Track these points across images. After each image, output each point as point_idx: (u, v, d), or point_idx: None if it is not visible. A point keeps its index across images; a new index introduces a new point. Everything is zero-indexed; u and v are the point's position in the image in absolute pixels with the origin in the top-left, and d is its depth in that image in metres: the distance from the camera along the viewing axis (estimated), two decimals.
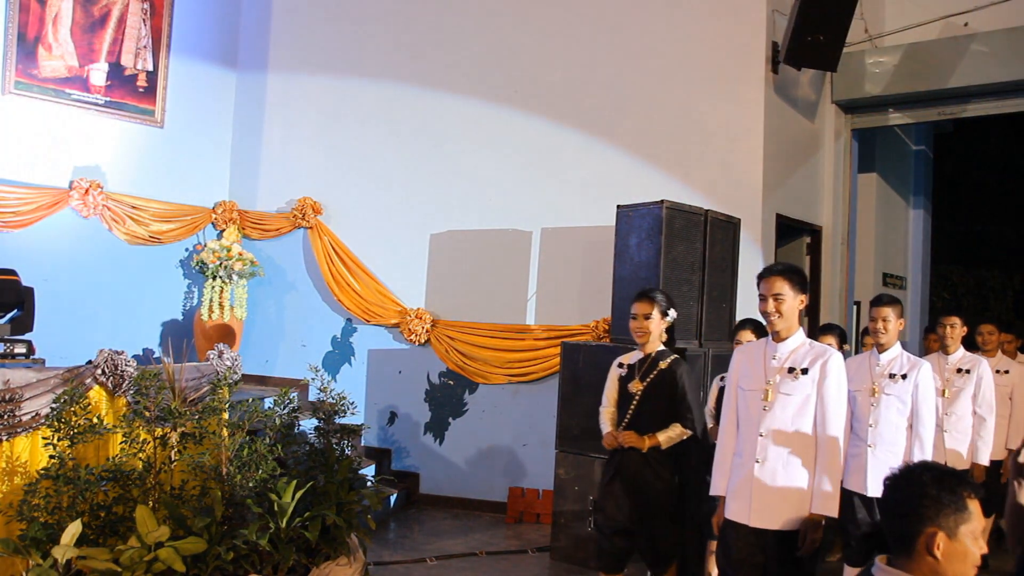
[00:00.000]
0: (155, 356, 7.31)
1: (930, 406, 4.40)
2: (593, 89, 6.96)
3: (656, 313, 4.20)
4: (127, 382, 4.86)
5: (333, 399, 5.32)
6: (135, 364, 4.94)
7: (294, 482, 4.56)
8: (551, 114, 7.08)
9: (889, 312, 4.50)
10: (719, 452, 3.77)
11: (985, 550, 1.95)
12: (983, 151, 11.87)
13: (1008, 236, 13.41)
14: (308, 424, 5.40)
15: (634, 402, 4.21)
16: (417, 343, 7.40)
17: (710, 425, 5.00)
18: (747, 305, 6.12)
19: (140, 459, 4.50)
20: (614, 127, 6.85)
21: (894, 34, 7.25)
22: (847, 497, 4.25)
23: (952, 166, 11.24)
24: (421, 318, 7.35)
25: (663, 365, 4.18)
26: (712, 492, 3.74)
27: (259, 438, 4.93)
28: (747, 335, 4.91)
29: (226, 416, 5.08)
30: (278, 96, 8.24)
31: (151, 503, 4.36)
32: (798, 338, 3.59)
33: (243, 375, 5.74)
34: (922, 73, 7.04)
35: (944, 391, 5.31)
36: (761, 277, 3.61)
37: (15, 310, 5.75)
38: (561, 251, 6.97)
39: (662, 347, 4.27)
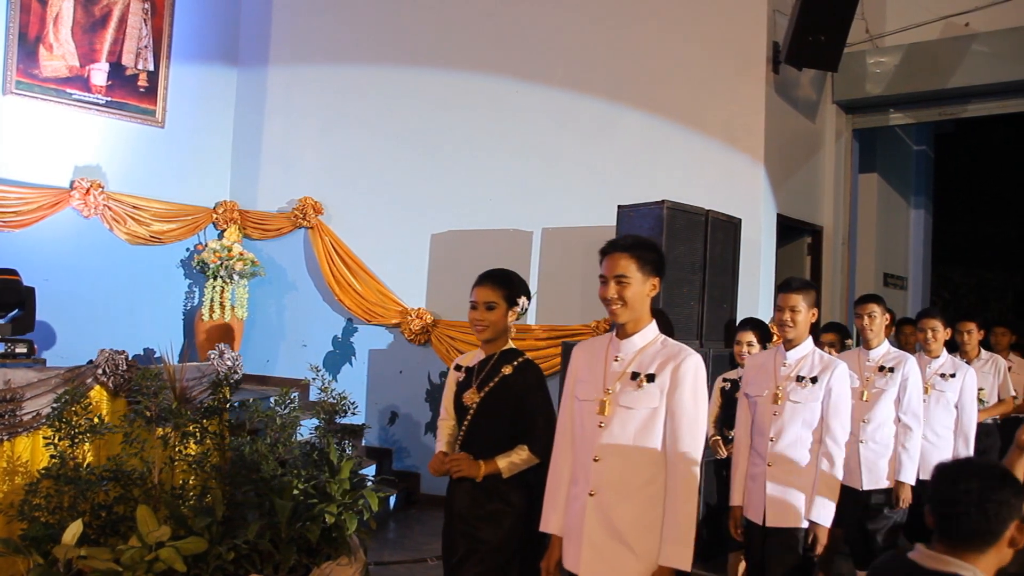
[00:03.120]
0: (156, 356, 7.31)
1: (842, 417, 3.67)
2: (594, 88, 6.96)
3: (500, 301, 3.32)
4: (128, 382, 4.86)
5: (334, 399, 5.32)
6: (136, 364, 4.95)
7: (295, 482, 4.56)
8: (552, 113, 7.08)
9: (799, 300, 3.70)
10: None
11: None
12: (984, 151, 11.86)
13: (1009, 236, 13.40)
14: (309, 424, 5.40)
15: (468, 417, 3.32)
16: (418, 343, 7.40)
17: (710, 434, 4.96)
18: (747, 305, 6.13)
19: (141, 459, 4.50)
20: (615, 127, 6.85)
21: (895, 34, 7.25)
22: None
23: (953, 166, 11.23)
24: (422, 318, 7.35)
25: (507, 370, 3.29)
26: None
27: (260, 438, 4.93)
28: (748, 336, 4.91)
29: (227, 416, 5.08)
30: (279, 93, 8.24)
31: (152, 503, 4.36)
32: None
33: (244, 375, 5.75)
34: (923, 73, 7.03)
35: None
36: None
37: (16, 310, 5.75)
38: (562, 251, 6.97)
39: (510, 346, 3.40)
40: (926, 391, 5.00)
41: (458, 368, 3.49)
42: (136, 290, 7.48)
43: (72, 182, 7.02)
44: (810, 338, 3.77)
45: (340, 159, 7.91)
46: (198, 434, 4.77)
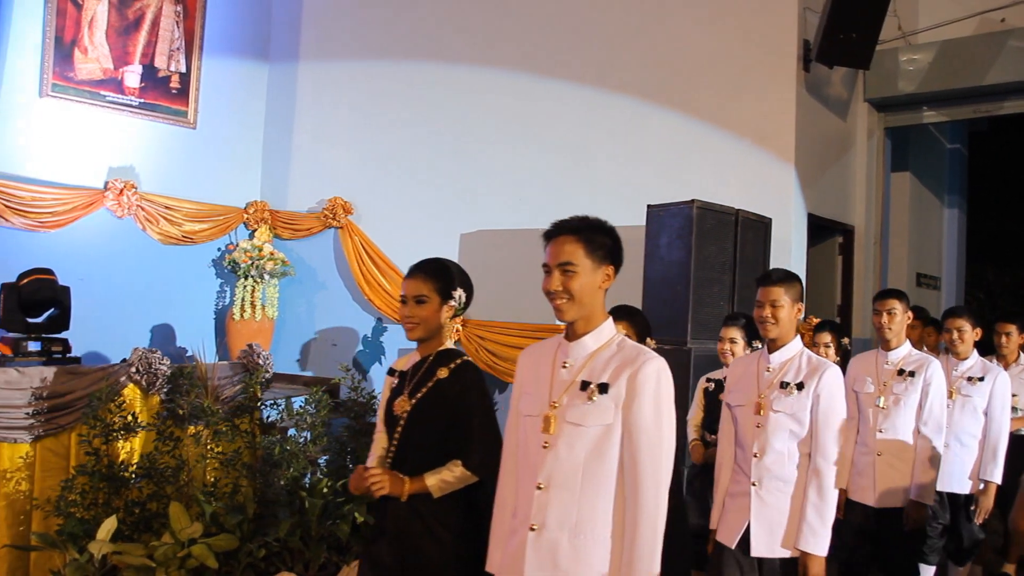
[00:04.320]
0: (188, 355, 7.39)
1: (834, 429, 3.20)
2: (624, 87, 6.93)
3: (432, 294, 2.93)
4: (161, 380, 4.92)
5: (364, 398, 5.35)
6: (168, 363, 5.01)
7: (325, 480, 4.59)
8: (582, 112, 7.06)
9: (781, 294, 3.26)
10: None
11: None
12: (1019, 149, 11.67)
13: None
14: (339, 423, 5.43)
15: (399, 428, 2.91)
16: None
17: (692, 439, 4.62)
18: None
19: (173, 456, 4.55)
20: (645, 126, 6.82)
21: (928, 31, 7.16)
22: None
23: (987, 164, 11.06)
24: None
25: (442, 373, 2.90)
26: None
27: (290, 436, 4.98)
28: (731, 332, 4.46)
29: (258, 414, 5.13)
30: (309, 93, 8.29)
31: (184, 500, 4.41)
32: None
33: (274, 374, 5.80)
34: (957, 70, 6.94)
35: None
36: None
37: (52, 309, 5.83)
38: None
39: (448, 346, 3.02)
40: (951, 396, 4.58)
41: (392, 372, 3.09)
42: (168, 289, 7.56)
43: (106, 183, 7.10)
44: (798, 338, 3.30)
45: (370, 159, 7.94)
46: (229, 432, 4.82)
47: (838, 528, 3.28)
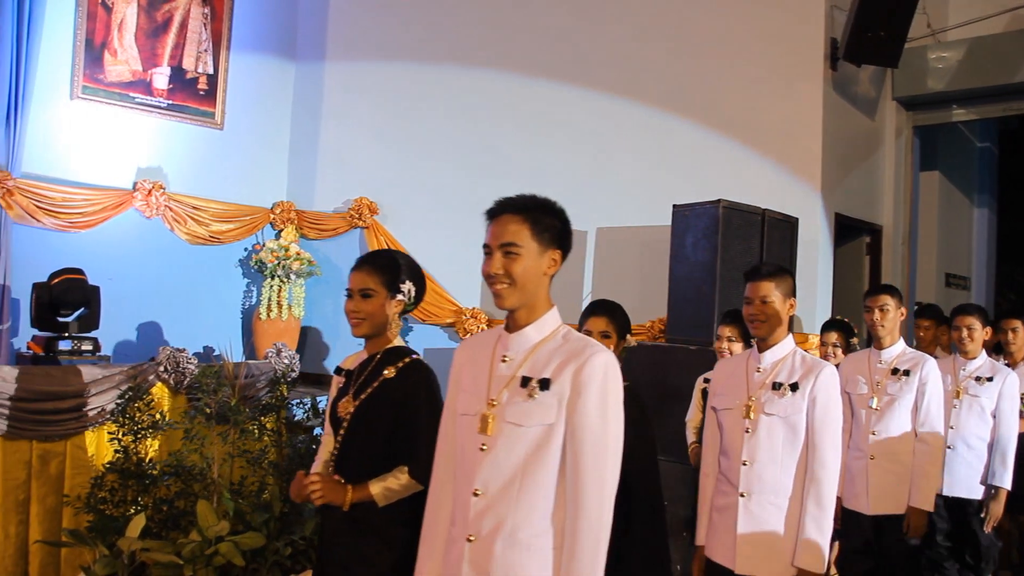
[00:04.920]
0: (215, 354, 7.46)
1: (832, 433, 2.92)
2: (649, 87, 6.91)
3: (379, 288, 2.72)
4: (188, 379, 4.97)
5: None
6: (196, 362, 5.05)
7: None
8: (607, 112, 7.05)
9: (771, 289, 3.02)
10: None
11: None
12: None
13: None
14: None
15: (342, 430, 2.71)
16: None
17: (691, 441, 4.46)
18: (804, 306, 6.04)
19: (201, 455, 4.59)
20: (670, 125, 6.79)
21: (958, 28, 7.08)
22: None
23: (1018, 163, 10.91)
24: (476, 317, 7.38)
25: (388, 373, 2.71)
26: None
27: (316, 435, 5.00)
28: (728, 330, 4.25)
29: (284, 413, 5.16)
30: (335, 93, 8.33)
31: (211, 498, 4.45)
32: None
33: (300, 373, 5.84)
34: (987, 68, 6.86)
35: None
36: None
37: (82, 308, 5.91)
38: (617, 251, 6.93)
39: (397, 343, 2.81)
40: (958, 396, 4.42)
41: (339, 372, 2.88)
42: (196, 289, 7.62)
43: (135, 183, 7.18)
44: (790, 336, 3.06)
45: (395, 159, 7.97)
46: (256, 431, 4.86)
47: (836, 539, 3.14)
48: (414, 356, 2.77)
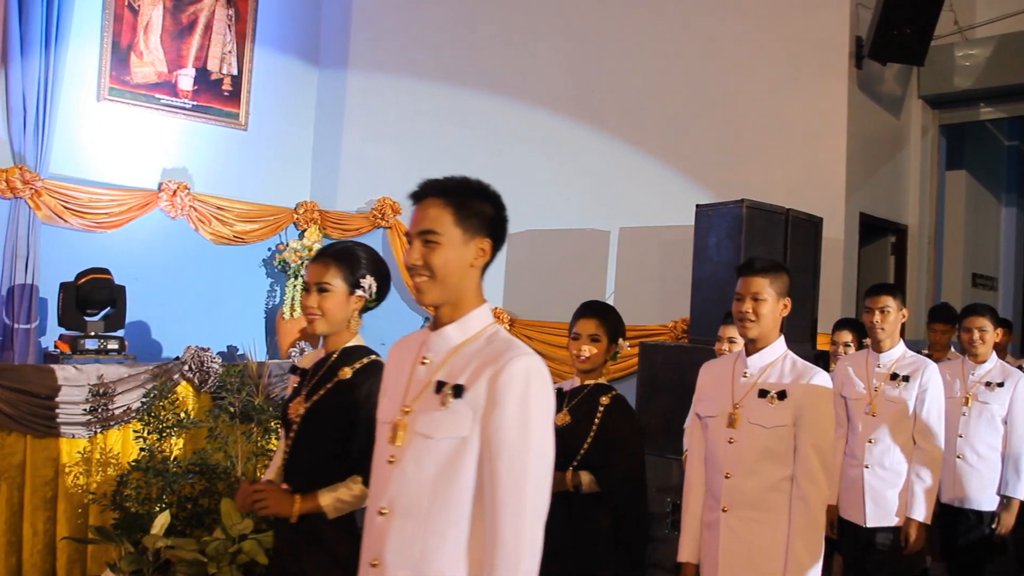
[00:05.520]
0: (239, 353, 7.50)
1: (822, 445, 2.69)
2: (673, 86, 6.89)
3: (338, 282, 2.53)
4: (213, 378, 5.01)
5: None
6: (220, 361, 5.09)
7: None
8: (630, 111, 7.03)
9: (764, 286, 2.77)
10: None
11: None
12: None
13: None
14: None
15: (291, 435, 2.50)
16: None
17: (687, 447, 4.22)
18: (829, 306, 5.99)
19: (225, 453, 4.62)
20: (693, 125, 6.77)
21: (986, 25, 7.00)
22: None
23: None
24: (499, 317, 7.38)
25: (344, 373, 2.48)
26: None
27: None
28: (731, 331, 4.00)
29: None
30: (358, 97, 8.36)
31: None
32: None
33: None
34: (1015, 65, 6.77)
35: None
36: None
37: (108, 308, 5.97)
38: (639, 251, 6.91)
39: (359, 343, 2.60)
40: (966, 402, 4.21)
41: (294, 371, 2.67)
42: (220, 289, 7.68)
43: (160, 184, 7.24)
44: (782, 339, 2.83)
45: (418, 159, 7.98)
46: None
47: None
48: (373, 357, 2.56)
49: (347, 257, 2.56)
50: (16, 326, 6.24)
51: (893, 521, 3.70)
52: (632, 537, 2.87)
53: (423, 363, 1.89)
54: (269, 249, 8.12)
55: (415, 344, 1.96)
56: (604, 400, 2.93)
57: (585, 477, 2.86)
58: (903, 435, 3.72)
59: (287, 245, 7.92)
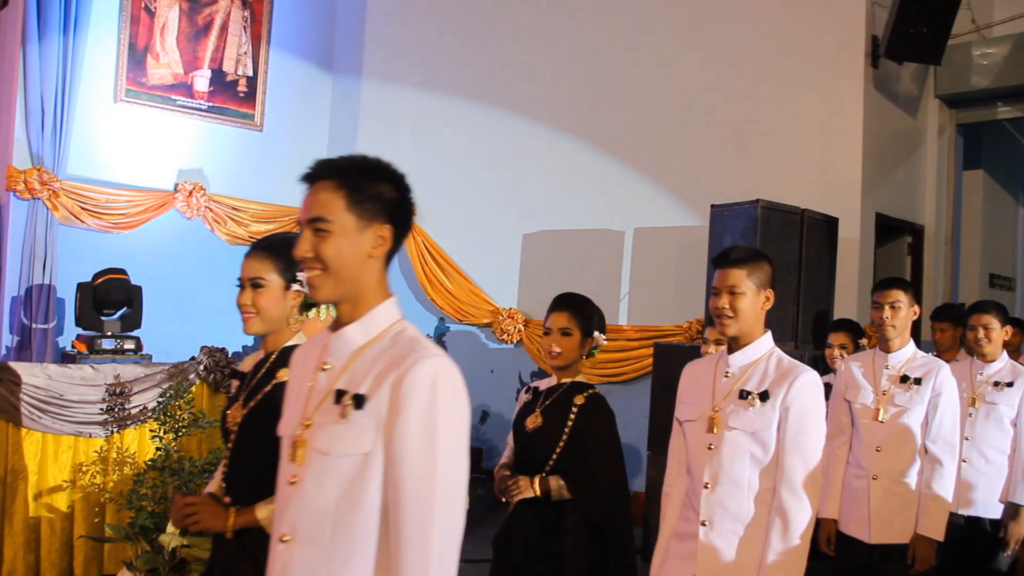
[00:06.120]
0: None
1: (805, 451, 2.45)
2: (688, 86, 6.87)
3: (273, 276, 2.31)
4: (228, 378, 5.02)
5: None
6: (236, 361, 5.10)
7: None
8: (644, 112, 7.02)
9: (742, 278, 2.52)
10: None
11: None
12: None
13: None
14: None
15: (229, 444, 2.30)
16: (509, 343, 7.43)
17: None
18: (845, 307, 5.96)
19: None
20: (709, 124, 6.75)
21: (1003, 23, 6.95)
22: None
23: None
24: (513, 318, 7.38)
25: (282, 375, 2.19)
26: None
27: None
28: (716, 332, 3.68)
29: None
30: (372, 100, 8.39)
31: None
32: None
33: None
34: None
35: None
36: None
37: (125, 308, 6.00)
38: (654, 251, 6.90)
39: (299, 342, 2.34)
40: (974, 403, 3.95)
41: (235, 374, 2.46)
42: (235, 289, 7.68)
43: (176, 185, 7.29)
44: (767, 336, 2.57)
45: (432, 162, 8.00)
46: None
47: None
48: None
49: (282, 250, 2.29)
50: (34, 326, 6.29)
51: (901, 538, 3.35)
52: (617, 547, 2.76)
53: (323, 369, 1.65)
54: None
55: (317, 348, 1.72)
56: (579, 400, 2.81)
57: (554, 483, 2.75)
58: (913, 443, 3.38)
59: None
